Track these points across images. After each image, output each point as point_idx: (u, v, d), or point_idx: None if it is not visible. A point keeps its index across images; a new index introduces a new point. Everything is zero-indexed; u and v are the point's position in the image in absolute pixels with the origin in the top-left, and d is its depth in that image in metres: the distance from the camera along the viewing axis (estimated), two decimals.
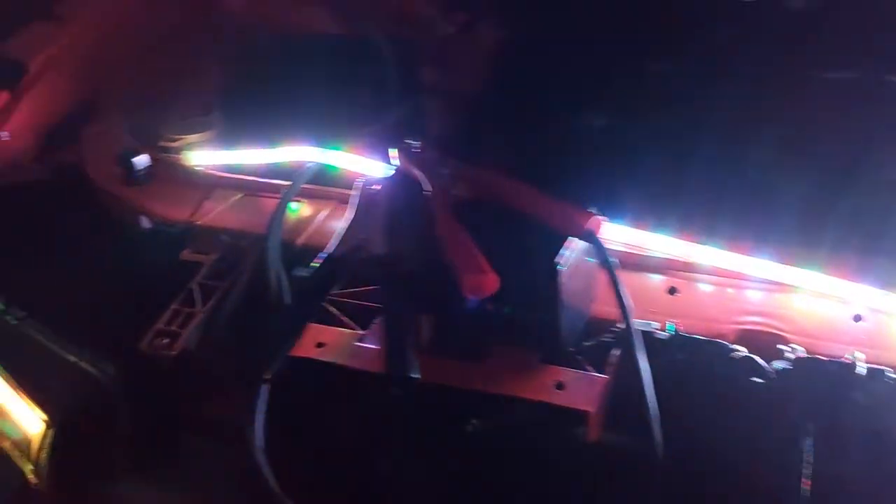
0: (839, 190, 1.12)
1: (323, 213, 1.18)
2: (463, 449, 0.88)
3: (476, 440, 0.87)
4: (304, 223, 1.17)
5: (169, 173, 1.26)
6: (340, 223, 1.13)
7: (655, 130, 1.08)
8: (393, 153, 0.94)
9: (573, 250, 0.88)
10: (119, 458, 1.11)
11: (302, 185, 1.16)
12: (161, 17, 1.55)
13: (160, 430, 1.12)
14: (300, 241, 1.14)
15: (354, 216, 0.91)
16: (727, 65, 1.19)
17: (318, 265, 0.90)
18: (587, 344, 0.93)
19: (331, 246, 0.90)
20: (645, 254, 1.01)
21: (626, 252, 1.02)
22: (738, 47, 1.18)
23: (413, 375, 0.80)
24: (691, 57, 1.16)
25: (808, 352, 0.88)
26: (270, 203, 1.20)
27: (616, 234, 0.99)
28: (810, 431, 0.84)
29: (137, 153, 1.24)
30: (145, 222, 1.19)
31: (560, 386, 0.88)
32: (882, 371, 0.84)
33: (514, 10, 1.31)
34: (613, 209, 0.91)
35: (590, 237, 0.85)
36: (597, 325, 0.97)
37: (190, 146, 1.32)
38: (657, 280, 1.00)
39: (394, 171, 0.90)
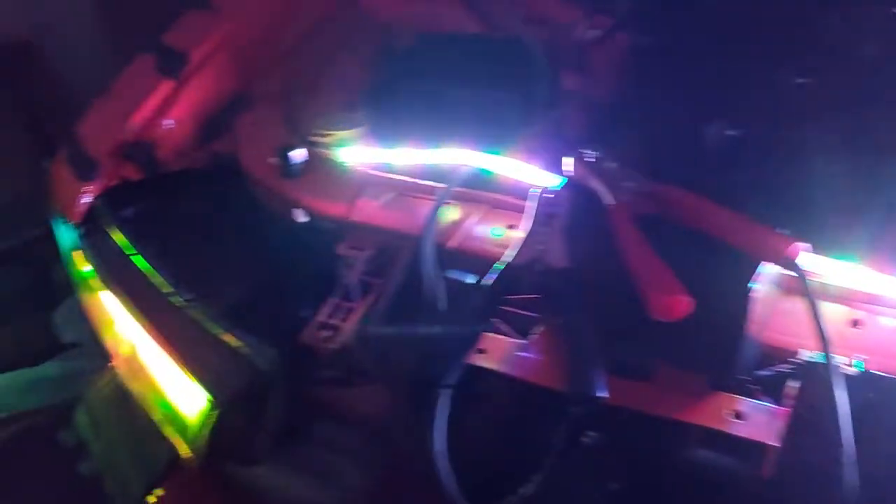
0: None
1: (474, 218, 1.18)
2: (630, 472, 0.86)
3: (644, 464, 0.85)
4: (454, 226, 1.17)
5: (323, 168, 1.29)
6: (490, 230, 1.15)
7: (849, 146, 1.02)
8: (567, 163, 0.92)
9: (766, 275, 0.84)
10: (264, 443, 1.15)
11: (456, 189, 1.16)
12: (311, 10, 1.59)
13: (306, 419, 1.15)
14: (451, 244, 1.14)
15: (532, 226, 0.90)
16: None
17: (496, 273, 0.90)
18: (761, 373, 0.90)
19: (509, 255, 0.89)
20: (825, 282, 0.96)
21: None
22: None
23: (599, 394, 0.79)
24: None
25: None
26: (421, 204, 1.22)
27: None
28: None
29: (295, 146, 1.27)
30: (301, 215, 1.22)
31: (738, 416, 0.84)
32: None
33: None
34: (805, 233, 0.86)
35: (791, 265, 0.81)
36: (769, 354, 0.93)
37: (340, 142, 1.35)
38: (839, 311, 0.95)
39: (570, 182, 0.89)
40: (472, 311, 0.90)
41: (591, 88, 1.44)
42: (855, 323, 0.94)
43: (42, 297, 2.50)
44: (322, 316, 1.03)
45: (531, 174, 1.12)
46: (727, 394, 0.87)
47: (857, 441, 0.82)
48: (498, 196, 1.20)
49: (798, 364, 0.87)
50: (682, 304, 0.76)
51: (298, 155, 1.27)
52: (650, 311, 0.77)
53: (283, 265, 1.16)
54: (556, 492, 0.83)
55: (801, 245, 0.80)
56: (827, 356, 0.78)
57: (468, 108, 1.31)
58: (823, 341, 0.78)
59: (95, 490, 2.34)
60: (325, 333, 1.01)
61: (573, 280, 0.82)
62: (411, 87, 1.44)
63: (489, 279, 0.91)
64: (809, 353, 0.87)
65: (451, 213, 1.22)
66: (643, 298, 0.77)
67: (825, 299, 0.97)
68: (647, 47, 1.39)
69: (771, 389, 0.89)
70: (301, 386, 1.11)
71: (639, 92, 1.31)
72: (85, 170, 1.30)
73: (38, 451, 2.50)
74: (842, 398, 0.78)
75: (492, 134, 1.23)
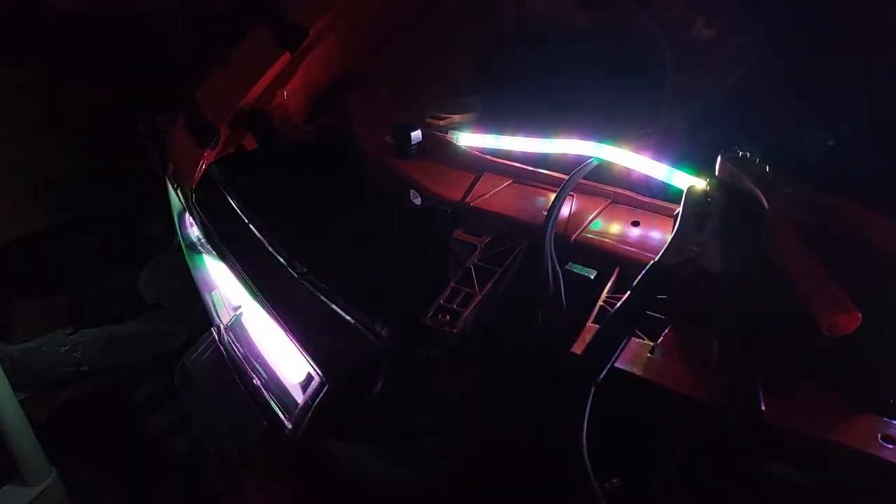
0: None
1: (594, 211, 1.15)
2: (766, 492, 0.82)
3: (784, 485, 0.81)
4: (576, 219, 1.14)
5: (439, 151, 1.28)
6: (612, 225, 1.12)
7: None
8: (720, 163, 0.89)
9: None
10: (366, 422, 1.15)
11: (580, 180, 1.14)
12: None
13: (407, 402, 1.14)
14: (573, 237, 1.12)
15: (682, 224, 0.87)
16: None
17: (645, 272, 0.87)
18: None
19: (660, 254, 0.86)
20: None
21: None
22: None
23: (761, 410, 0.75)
24: None
25: None
26: (538, 193, 1.20)
27: None
28: None
29: (412, 127, 1.26)
30: (416, 197, 1.21)
31: (889, 440, 0.80)
32: None
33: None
34: None
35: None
36: None
37: (455, 126, 1.34)
38: None
39: (723, 183, 0.85)
40: (618, 309, 0.87)
41: (701, 87, 1.40)
42: None
43: (128, 258, 2.58)
44: (442, 299, 1.02)
45: (657, 170, 1.09)
46: (874, 416, 0.82)
47: None
48: (619, 190, 1.17)
49: None
50: (853, 321, 0.72)
51: (416, 136, 1.26)
52: (820, 326, 0.73)
53: (399, 247, 1.15)
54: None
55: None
56: None
57: (590, 101, 1.28)
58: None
59: (164, 449, 2.41)
60: (446, 317, 1.00)
61: (728, 286, 0.78)
62: (533, 76, 1.42)
63: (639, 278, 0.88)
64: None
65: (573, 206, 1.19)
66: (809, 313, 0.73)
67: None
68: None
69: None
70: (410, 367, 1.10)
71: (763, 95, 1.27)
72: (204, 136, 1.32)
73: (111, 407, 2.59)
74: None
75: (616, 127, 1.20)
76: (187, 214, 1.36)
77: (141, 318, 2.42)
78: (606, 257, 1.07)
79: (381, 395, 1.10)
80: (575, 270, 1.06)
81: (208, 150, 1.30)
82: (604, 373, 0.81)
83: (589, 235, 1.11)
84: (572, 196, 1.18)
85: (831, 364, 0.84)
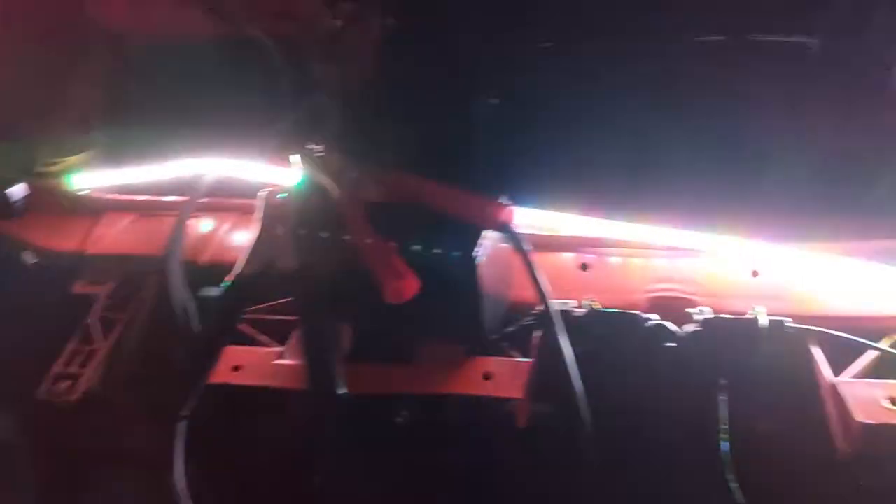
0: (724, 152, 1.18)
1: (225, 226, 1.13)
2: (399, 453, 0.87)
3: (413, 442, 0.86)
4: (206, 239, 1.11)
5: (50, 201, 1.17)
6: (246, 237, 1.11)
7: (549, 110, 1.10)
8: (295, 159, 0.90)
9: (489, 240, 0.88)
10: None
11: (200, 200, 1.10)
12: (24, 29, 1.42)
13: (73, 472, 1.05)
14: (204, 258, 1.09)
15: (261, 231, 0.87)
16: (609, 39, 1.22)
17: (226, 287, 0.86)
18: (509, 330, 0.95)
19: (239, 265, 0.86)
20: (555, 234, 1.03)
21: (536, 234, 1.04)
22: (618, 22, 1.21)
23: (340, 391, 0.78)
24: (579, 31, 1.18)
25: (714, 311, 0.92)
26: (169, 222, 1.14)
27: (525, 217, 1.00)
28: (724, 387, 0.89)
29: (11, 182, 1.14)
30: (29, 257, 1.10)
31: (487, 376, 0.88)
32: (782, 321, 0.89)
33: None
34: (522, 194, 0.91)
35: (503, 227, 0.85)
36: (517, 310, 0.98)
37: (70, 169, 1.23)
38: (569, 258, 1.02)
39: (298, 179, 0.87)
40: (201, 330, 0.86)
41: (344, 78, 1.44)
42: (584, 266, 1.02)
43: None
44: (59, 365, 0.94)
45: (272, 175, 1.09)
46: (480, 357, 0.90)
47: (593, 375, 0.90)
48: (249, 201, 1.16)
49: (536, 315, 0.92)
50: (409, 286, 0.78)
51: (17, 191, 1.14)
52: (385, 297, 0.78)
53: (13, 316, 1.03)
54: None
55: (511, 208, 0.85)
56: (546, 303, 0.83)
57: (207, 115, 1.25)
58: (540, 292, 0.83)
59: None
60: (63, 384, 0.92)
61: (305, 280, 0.80)
62: (148, 99, 1.35)
63: (214, 292, 0.87)
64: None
65: (202, 226, 1.16)
66: (379, 286, 0.78)
67: (555, 250, 1.04)
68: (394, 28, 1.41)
69: (521, 344, 0.94)
70: (60, 442, 1.01)
71: (392, 75, 1.33)
72: None
73: None
74: (564, 341, 0.84)
75: (234, 138, 1.18)
76: None
77: None
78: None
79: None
80: (207, 295, 1.03)
81: None
82: (191, 403, 0.79)
83: (222, 254, 1.09)
84: (199, 216, 1.14)
85: (437, 322, 0.90)
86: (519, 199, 0.91)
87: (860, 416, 0.79)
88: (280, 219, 0.86)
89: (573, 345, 0.90)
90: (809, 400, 0.88)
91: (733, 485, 0.83)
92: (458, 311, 0.89)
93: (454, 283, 0.87)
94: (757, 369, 0.90)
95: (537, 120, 1.09)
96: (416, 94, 1.00)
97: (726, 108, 1.24)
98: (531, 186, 1.00)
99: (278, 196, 0.90)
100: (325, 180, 0.88)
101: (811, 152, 1.25)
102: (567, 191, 1.05)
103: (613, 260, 1.02)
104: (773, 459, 0.90)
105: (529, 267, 0.83)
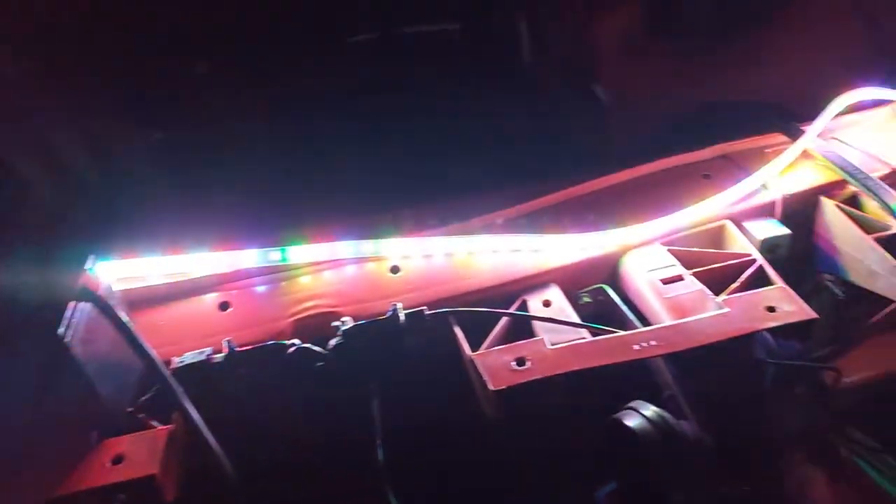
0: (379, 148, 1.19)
1: None
2: None
3: None
4: None
5: None
6: None
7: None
8: None
9: (80, 311, 0.78)
10: None
11: None
12: None
13: None
14: None
15: None
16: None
17: None
18: (145, 398, 0.85)
19: None
20: (190, 277, 0.95)
21: (171, 282, 0.96)
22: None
23: None
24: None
25: (359, 317, 0.91)
26: None
27: (152, 266, 0.91)
28: (376, 390, 0.88)
29: None
30: None
31: (118, 459, 0.78)
32: (421, 311, 0.90)
33: None
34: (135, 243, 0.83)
35: (87, 295, 0.75)
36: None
37: None
38: (209, 300, 0.95)
39: None
40: None
41: None
42: (224, 306, 0.95)
43: None
44: None
45: None
46: (112, 439, 0.80)
47: (249, 417, 0.85)
48: None
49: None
50: None
51: None
52: None
53: None
54: None
55: (88, 274, 0.76)
56: (158, 373, 0.75)
57: None
58: (147, 360, 0.75)
59: None
60: None
61: None
62: None
63: None
64: (179, 358, 0.86)
65: None
66: None
67: (193, 294, 0.97)
68: None
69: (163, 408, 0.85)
70: None
71: None
72: None
73: None
74: (187, 403, 0.77)
75: None
76: None
77: None
78: None
79: None
80: None
81: None
82: None
83: None
84: None
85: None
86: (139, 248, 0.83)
87: (492, 384, 0.82)
88: None
89: (218, 393, 0.84)
90: (461, 378, 0.90)
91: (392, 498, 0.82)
92: (68, 396, 0.78)
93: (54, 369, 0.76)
94: (409, 364, 0.90)
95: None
96: None
97: (385, 105, 1.26)
98: (142, 232, 0.92)
99: None
100: None
101: (466, 134, 1.32)
102: (196, 227, 0.98)
103: (259, 290, 0.97)
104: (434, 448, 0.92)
105: (128, 334, 0.74)
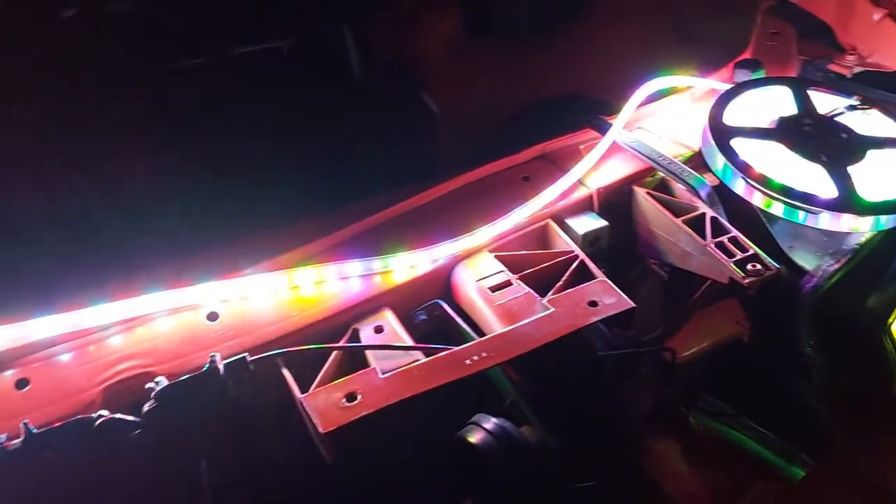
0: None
1: None
2: None
3: None
4: None
5: None
6: None
7: None
8: None
9: None
10: None
11: None
12: None
13: None
14: None
15: None
16: None
17: None
18: None
19: None
20: None
21: None
22: None
23: None
24: None
25: (178, 374, 0.84)
26: None
27: None
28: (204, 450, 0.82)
29: None
30: None
31: None
32: (243, 359, 0.84)
33: None
34: None
35: None
36: None
37: None
38: (3, 379, 0.85)
39: None
40: None
41: None
42: (21, 383, 0.85)
43: None
44: None
45: None
46: None
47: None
48: None
49: None
50: None
51: None
52: None
53: None
54: None
55: None
56: None
57: None
58: None
59: None
60: None
61: None
62: None
63: None
64: None
65: None
66: None
67: None
68: None
69: None
70: None
71: None
72: None
73: None
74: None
75: None
76: None
77: None
78: None
79: None
80: None
81: None
82: None
83: None
84: None
85: None
86: None
87: (322, 426, 0.78)
88: None
89: (17, 485, 0.75)
90: (297, 424, 0.86)
91: None
92: None
93: None
94: (241, 417, 0.85)
95: None
96: None
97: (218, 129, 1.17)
98: None
99: None
100: None
101: (300, 153, 1.26)
102: None
103: (62, 359, 0.87)
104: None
105: None
